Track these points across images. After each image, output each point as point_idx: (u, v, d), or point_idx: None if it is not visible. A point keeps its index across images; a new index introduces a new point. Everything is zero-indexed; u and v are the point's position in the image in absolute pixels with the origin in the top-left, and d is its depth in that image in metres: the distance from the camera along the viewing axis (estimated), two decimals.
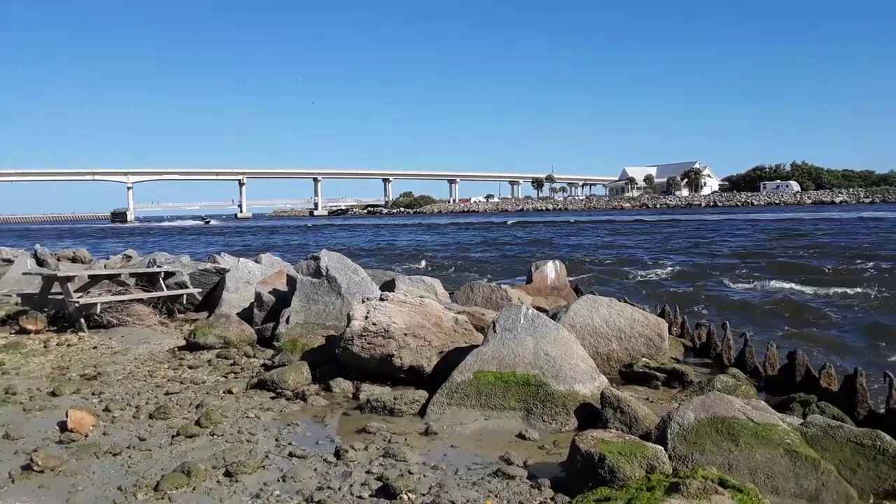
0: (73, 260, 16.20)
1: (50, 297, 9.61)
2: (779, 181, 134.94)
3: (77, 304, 8.96)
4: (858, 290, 14.23)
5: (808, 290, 14.62)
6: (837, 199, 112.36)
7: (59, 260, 15.63)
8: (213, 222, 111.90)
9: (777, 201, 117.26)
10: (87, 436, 4.98)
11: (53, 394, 6.13)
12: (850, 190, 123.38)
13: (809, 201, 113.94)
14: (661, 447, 3.99)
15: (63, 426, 5.08)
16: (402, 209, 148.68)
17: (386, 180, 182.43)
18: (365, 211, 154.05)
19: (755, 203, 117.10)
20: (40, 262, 14.05)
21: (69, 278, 9.23)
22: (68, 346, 8.28)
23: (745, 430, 4.06)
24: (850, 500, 3.79)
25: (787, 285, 15.38)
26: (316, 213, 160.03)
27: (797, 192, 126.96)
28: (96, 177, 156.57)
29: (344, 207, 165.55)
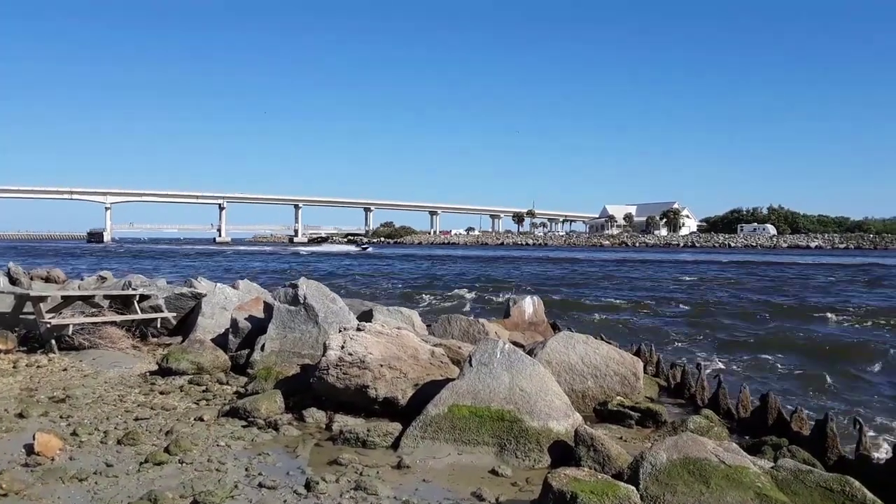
0: (47, 279, 15.97)
1: (21, 316, 9.46)
2: (755, 224, 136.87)
3: (49, 325, 8.83)
4: None
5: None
6: (813, 244, 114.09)
7: (32, 279, 15.41)
8: (370, 249, 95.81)
9: (754, 244, 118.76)
10: (53, 460, 4.90)
11: (21, 415, 6.02)
12: (826, 235, 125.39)
13: (785, 245, 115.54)
14: (633, 487, 4.00)
15: (30, 449, 4.99)
16: (382, 239, 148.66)
17: (367, 209, 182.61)
18: (345, 239, 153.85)
19: (732, 245, 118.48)
20: (13, 281, 13.83)
21: (42, 298, 9.10)
22: (38, 367, 8.14)
23: (716, 472, 4.08)
24: None
25: None
26: (296, 240, 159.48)
27: (773, 235, 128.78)
28: (74, 196, 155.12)
29: (324, 235, 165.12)
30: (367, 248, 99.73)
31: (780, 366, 11.33)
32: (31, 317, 9.15)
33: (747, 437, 6.10)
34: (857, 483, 4.06)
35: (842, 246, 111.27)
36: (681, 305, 21.49)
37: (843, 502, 3.98)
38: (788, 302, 22.69)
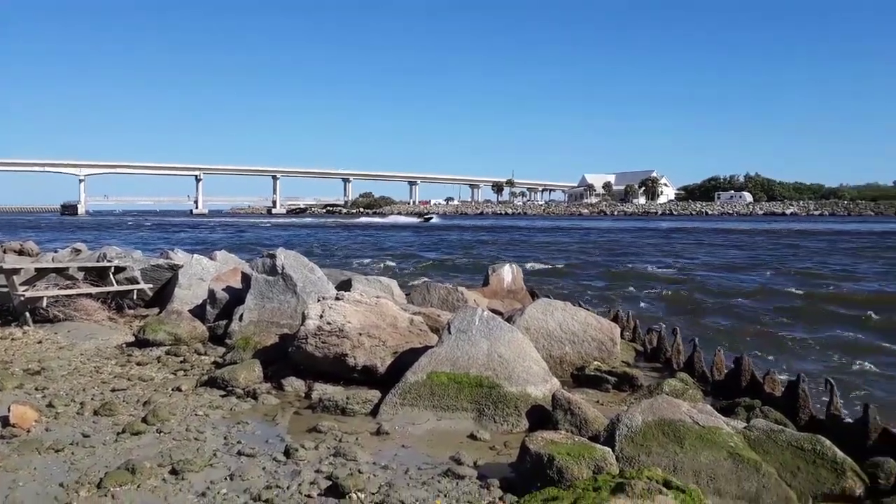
0: (20, 252, 15.73)
1: None
2: (732, 192, 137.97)
3: (22, 298, 8.73)
4: None
5: None
6: (788, 211, 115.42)
7: (5, 252, 15.19)
8: (434, 219, 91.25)
9: (731, 211, 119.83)
10: (29, 431, 4.87)
11: None
12: (801, 202, 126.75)
13: (762, 212, 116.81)
14: (608, 449, 4.05)
15: (5, 421, 4.95)
16: (361, 209, 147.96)
17: (346, 180, 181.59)
18: (324, 210, 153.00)
19: (709, 213, 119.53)
20: None
21: (15, 271, 8.98)
22: (12, 339, 8.06)
23: (690, 433, 4.15)
24: (790, 502, 3.89)
25: None
26: (274, 211, 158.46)
27: (750, 202, 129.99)
28: (47, 168, 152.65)
29: (303, 206, 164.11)
30: (430, 218, 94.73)
31: None
32: (5, 290, 9.03)
33: (721, 399, 6.19)
34: (827, 441, 4.15)
35: (816, 213, 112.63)
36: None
37: (813, 460, 4.07)
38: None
